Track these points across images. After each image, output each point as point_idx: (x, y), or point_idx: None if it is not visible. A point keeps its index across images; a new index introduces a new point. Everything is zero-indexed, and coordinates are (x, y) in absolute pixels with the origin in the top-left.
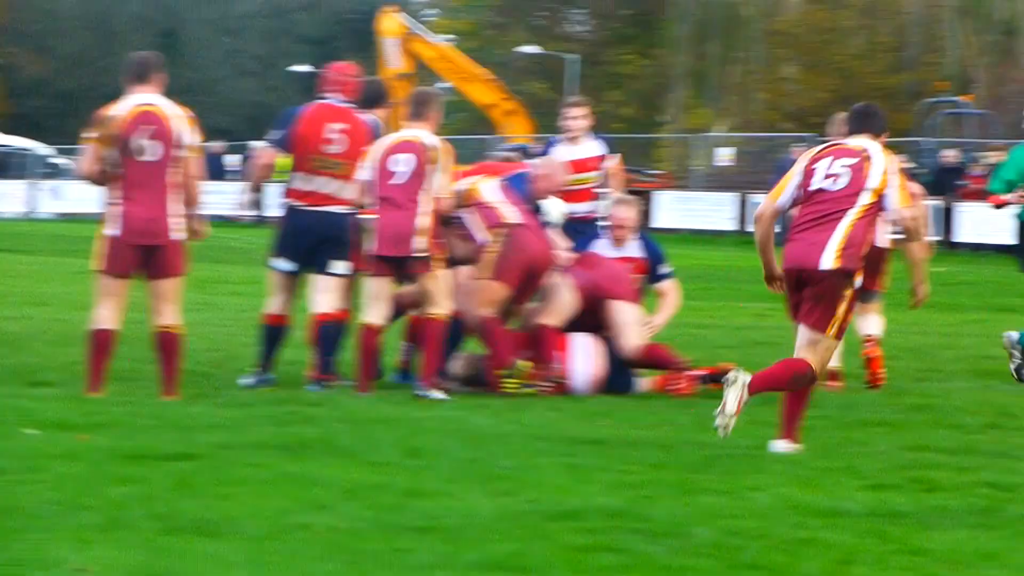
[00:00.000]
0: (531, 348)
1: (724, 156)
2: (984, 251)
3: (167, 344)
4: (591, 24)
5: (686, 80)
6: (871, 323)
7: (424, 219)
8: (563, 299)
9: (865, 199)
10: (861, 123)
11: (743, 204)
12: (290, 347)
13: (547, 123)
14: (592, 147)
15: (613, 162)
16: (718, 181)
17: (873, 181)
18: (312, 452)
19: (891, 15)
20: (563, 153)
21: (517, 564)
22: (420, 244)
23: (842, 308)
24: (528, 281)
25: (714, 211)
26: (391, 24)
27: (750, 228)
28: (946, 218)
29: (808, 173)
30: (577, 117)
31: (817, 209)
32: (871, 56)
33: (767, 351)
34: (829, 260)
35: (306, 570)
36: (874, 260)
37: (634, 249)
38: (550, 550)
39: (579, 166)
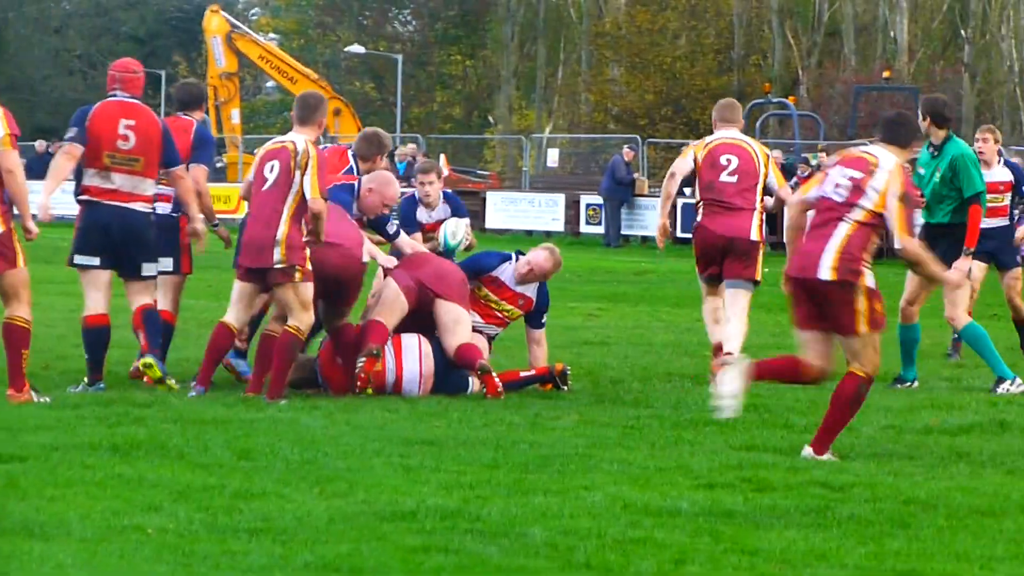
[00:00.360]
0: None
1: (552, 157)
2: None
3: (7, 334)
4: (416, 24)
5: (513, 81)
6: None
7: (284, 229)
8: (391, 299)
9: (859, 214)
10: (888, 133)
11: (572, 205)
12: (116, 347)
13: (375, 123)
14: (444, 210)
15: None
16: (547, 182)
17: (869, 199)
18: (143, 453)
19: (715, 17)
20: (423, 216)
21: (351, 565)
22: (279, 255)
23: (861, 303)
24: (333, 292)
25: (544, 212)
26: (216, 22)
27: (582, 229)
28: (774, 219)
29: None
30: (429, 183)
31: (819, 218)
32: (696, 57)
33: (598, 351)
34: (827, 271)
35: (138, 572)
36: (746, 251)
37: (531, 288)
38: (384, 551)
39: (435, 227)
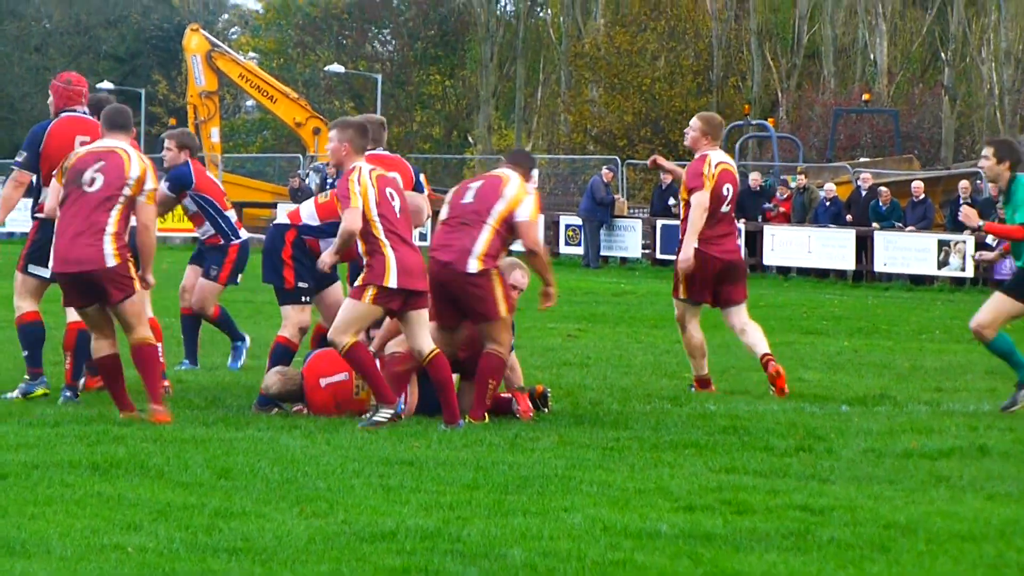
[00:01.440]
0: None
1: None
2: (790, 274)
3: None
4: (396, 44)
5: (492, 102)
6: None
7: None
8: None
9: None
10: None
11: (551, 226)
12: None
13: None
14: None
15: None
16: None
17: None
18: (123, 472)
19: (694, 38)
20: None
21: None
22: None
23: None
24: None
25: None
26: (196, 41)
27: (561, 250)
28: (752, 241)
29: None
30: (167, 149)
31: None
32: (675, 79)
33: (577, 372)
34: None
35: None
36: (743, 271)
37: None
38: (364, 571)
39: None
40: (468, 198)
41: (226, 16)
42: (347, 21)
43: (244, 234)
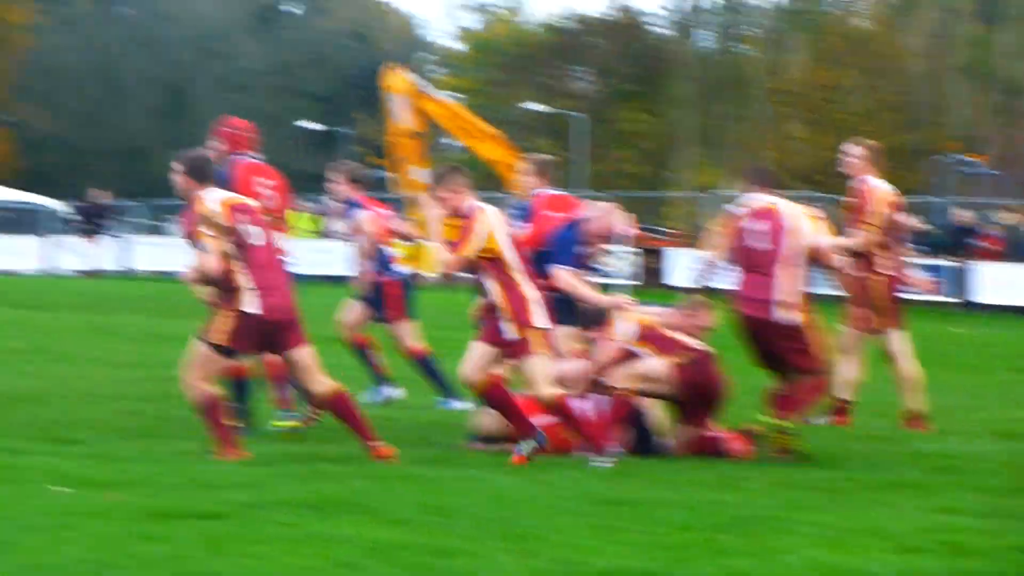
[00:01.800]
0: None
1: None
2: (1005, 312)
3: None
4: (596, 82)
5: (692, 138)
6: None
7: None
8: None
9: None
10: None
11: None
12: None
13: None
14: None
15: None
16: None
17: None
18: (337, 510)
19: (894, 74)
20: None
21: None
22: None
23: None
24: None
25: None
26: (397, 81)
27: None
28: (962, 278)
29: None
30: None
31: None
32: (876, 115)
33: None
34: None
35: None
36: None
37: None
38: None
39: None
40: (755, 242)
41: (424, 54)
42: (545, 59)
43: (400, 269)
